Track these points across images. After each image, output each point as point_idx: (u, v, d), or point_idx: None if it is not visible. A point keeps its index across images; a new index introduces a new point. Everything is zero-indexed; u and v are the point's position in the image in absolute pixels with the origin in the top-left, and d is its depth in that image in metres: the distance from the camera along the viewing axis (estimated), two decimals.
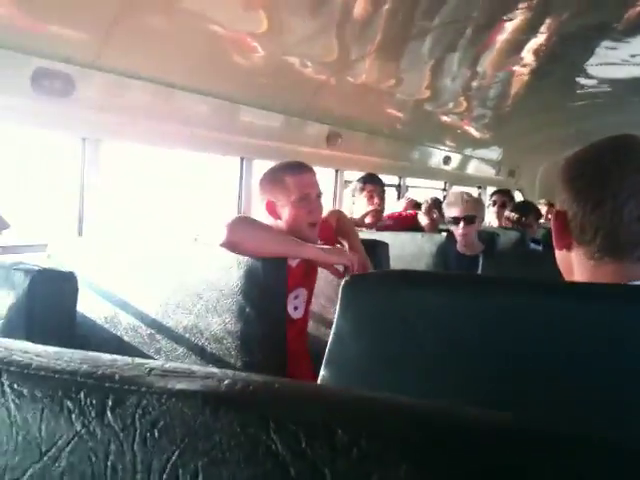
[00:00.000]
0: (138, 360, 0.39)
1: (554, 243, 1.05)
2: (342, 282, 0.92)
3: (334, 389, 0.34)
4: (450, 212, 2.85)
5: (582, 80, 4.30)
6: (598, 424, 0.75)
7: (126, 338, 1.70)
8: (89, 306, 1.74)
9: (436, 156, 5.20)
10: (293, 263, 1.88)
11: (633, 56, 3.52)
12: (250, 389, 0.34)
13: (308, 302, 1.98)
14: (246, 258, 1.56)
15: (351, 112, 3.66)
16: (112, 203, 2.48)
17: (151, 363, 0.39)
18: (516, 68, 3.90)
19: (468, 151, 5.71)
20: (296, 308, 1.93)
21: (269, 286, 1.56)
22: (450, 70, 3.72)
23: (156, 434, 0.34)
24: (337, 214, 2.23)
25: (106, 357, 0.40)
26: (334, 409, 0.33)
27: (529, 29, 3.23)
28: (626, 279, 0.94)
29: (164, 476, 0.33)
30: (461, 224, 2.79)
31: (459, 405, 0.33)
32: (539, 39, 3.40)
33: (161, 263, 1.70)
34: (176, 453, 0.33)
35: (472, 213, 2.81)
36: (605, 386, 0.74)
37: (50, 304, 1.20)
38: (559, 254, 1.06)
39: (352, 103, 3.55)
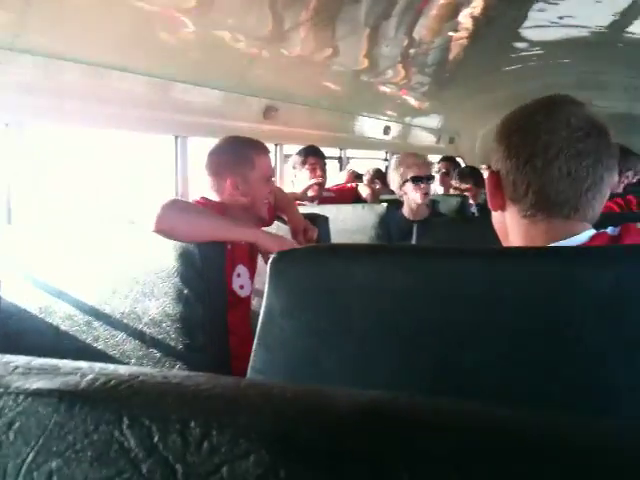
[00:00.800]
0: (7, 358, 0.37)
1: (489, 204, 1.06)
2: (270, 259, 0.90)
3: (199, 379, 0.33)
4: (409, 173, 2.84)
5: (516, 44, 4.36)
6: (532, 387, 0.75)
7: (63, 327, 1.66)
8: (21, 297, 1.68)
9: (376, 126, 5.21)
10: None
11: (561, 17, 3.58)
12: (111, 384, 0.33)
13: (252, 277, 1.96)
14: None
15: (288, 85, 3.61)
16: (42, 190, 2.40)
17: (19, 360, 0.37)
18: (452, 33, 3.91)
19: (408, 120, 5.73)
20: (242, 287, 1.91)
21: (207, 267, 1.53)
22: (386, 38, 3.70)
23: (11, 436, 0.32)
24: (274, 189, 2.21)
25: None
26: (189, 402, 0.31)
27: None
28: (558, 237, 0.96)
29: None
30: (424, 183, 2.81)
31: (315, 390, 0.33)
32: (474, 3, 3.41)
33: (95, 249, 1.65)
34: (31, 455, 0.32)
35: (432, 173, 2.88)
36: (536, 352, 0.75)
37: None
38: (495, 216, 1.07)
39: (288, 76, 3.51)
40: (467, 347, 0.79)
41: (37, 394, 0.33)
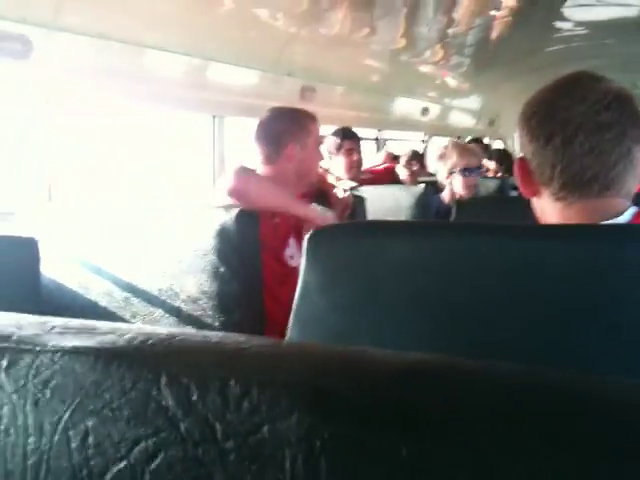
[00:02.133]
0: (44, 318, 0.37)
1: (522, 192, 1.04)
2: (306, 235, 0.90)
3: (239, 339, 0.32)
4: (457, 163, 2.78)
5: (559, 24, 4.25)
6: (571, 366, 0.74)
7: (101, 303, 1.68)
8: (61, 274, 1.71)
9: (414, 107, 5.14)
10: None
11: None
12: (149, 343, 0.32)
13: (300, 248, 1.98)
14: (218, 217, 1.53)
15: (325, 65, 3.58)
16: (81, 168, 2.43)
17: (56, 321, 0.37)
18: (493, 13, 3.83)
19: (447, 101, 5.65)
20: (292, 257, 1.93)
21: (242, 244, 1.54)
22: (425, 17, 3.65)
23: (48, 394, 0.32)
24: None
25: (10, 316, 0.38)
26: (228, 361, 0.31)
27: None
28: (596, 217, 0.93)
29: (55, 438, 0.32)
30: (472, 174, 2.75)
31: (365, 350, 0.32)
32: None
33: (133, 226, 1.67)
34: (67, 414, 0.31)
35: (480, 164, 2.83)
36: (575, 333, 0.73)
37: (11, 271, 1.17)
38: (533, 203, 1.05)
39: (325, 56, 3.48)
40: (502, 326, 0.77)
41: (74, 352, 0.32)
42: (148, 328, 0.35)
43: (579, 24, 4.25)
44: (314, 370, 0.29)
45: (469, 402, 0.26)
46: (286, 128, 1.93)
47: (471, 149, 2.87)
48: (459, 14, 3.75)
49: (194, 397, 0.29)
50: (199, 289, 1.53)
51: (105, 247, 1.66)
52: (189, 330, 0.34)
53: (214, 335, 0.33)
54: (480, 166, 2.82)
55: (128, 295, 1.64)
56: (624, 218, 0.93)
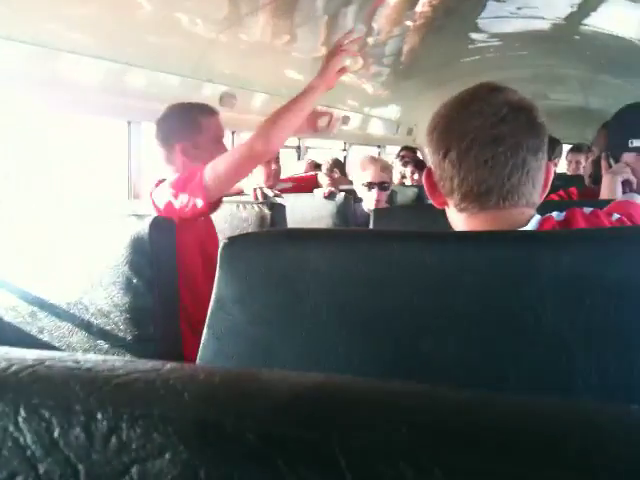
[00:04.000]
0: None
1: (433, 202, 1.05)
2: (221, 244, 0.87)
3: (116, 364, 0.28)
4: (364, 177, 2.83)
5: (474, 35, 4.36)
6: (493, 374, 0.74)
7: (6, 318, 1.59)
8: None
9: (336, 115, 5.16)
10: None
11: (520, 8, 3.59)
12: (10, 370, 0.28)
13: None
14: (132, 227, 1.47)
15: (246, 72, 3.54)
16: None
17: None
18: (410, 23, 3.89)
19: (367, 110, 5.70)
20: None
21: (157, 255, 1.48)
22: (345, 26, 3.66)
23: None
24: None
25: None
26: (98, 390, 0.27)
27: None
28: (500, 227, 0.95)
29: None
30: (375, 190, 2.79)
31: (251, 374, 0.29)
32: None
33: (40, 236, 1.58)
34: None
35: (387, 179, 2.84)
36: (493, 338, 0.73)
37: None
38: (447, 214, 1.06)
39: (246, 62, 3.44)
40: (423, 333, 0.77)
41: None
42: (15, 352, 0.30)
43: (493, 36, 4.38)
44: (195, 400, 0.25)
45: (360, 432, 0.23)
46: (173, 126, 1.84)
47: (380, 164, 2.89)
48: (378, 23, 3.79)
49: (56, 434, 0.25)
50: (111, 302, 1.46)
51: (10, 258, 1.57)
52: (62, 354, 0.30)
53: (87, 359, 0.29)
54: (383, 183, 2.83)
55: (35, 309, 1.55)
56: (530, 227, 0.95)
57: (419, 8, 3.59)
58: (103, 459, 0.24)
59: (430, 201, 3.03)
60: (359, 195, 2.90)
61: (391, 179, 2.94)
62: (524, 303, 0.71)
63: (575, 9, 3.52)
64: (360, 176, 2.86)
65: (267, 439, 0.23)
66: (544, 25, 4.00)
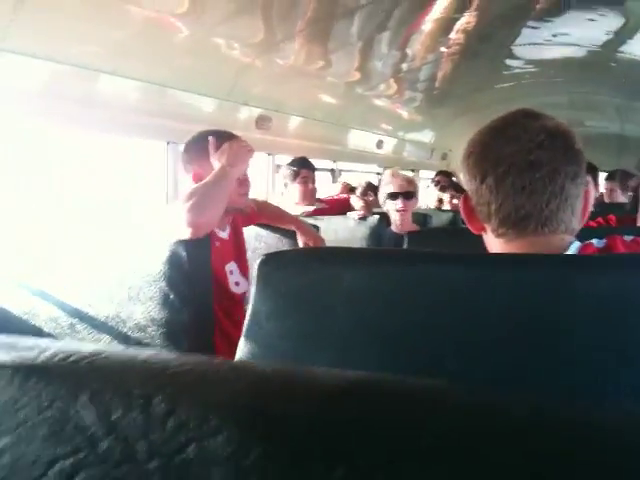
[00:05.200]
0: None
1: (470, 228, 1.04)
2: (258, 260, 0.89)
3: (169, 357, 0.30)
4: (387, 189, 2.84)
5: (509, 61, 4.38)
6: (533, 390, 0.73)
7: (45, 329, 1.63)
8: (5, 298, 1.65)
9: (370, 140, 5.21)
10: (225, 235, 1.84)
11: (555, 36, 3.59)
12: (70, 360, 0.30)
13: (245, 274, 1.93)
14: (169, 243, 1.50)
15: (281, 95, 3.61)
16: (28, 191, 2.37)
17: None
18: (444, 49, 3.92)
19: (401, 134, 5.74)
20: (237, 283, 1.87)
21: (192, 270, 1.51)
22: (379, 52, 3.71)
23: None
24: (254, 201, 2.12)
25: None
26: (154, 377, 0.29)
27: (457, 9, 3.24)
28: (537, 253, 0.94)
29: None
30: (399, 199, 2.79)
31: (297, 368, 0.30)
32: (467, 19, 3.42)
33: (81, 251, 1.63)
34: None
35: (410, 189, 2.84)
36: (524, 359, 0.73)
37: None
38: (484, 239, 1.06)
39: (282, 86, 3.50)
40: (455, 354, 0.77)
41: None
42: (73, 345, 0.33)
43: (529, 62, 4.39)
44: (246, 388, 0.27)
45: (402, 424, 0.25)
46: (191, 152, 1.79)
47: (401, 176, 2.90)
48: (412, 50, 3.83)
49: (115, 416, 0.27)
50: (148, 316, 1.49)
51: (51, 272, 1.61)
52: (115, 348, 0.32)
53: (141, 352, 0.31)
54: (407, 192, 2.83)
55: (74, 321, 1.59)
56: (570, 252, 0.94)
57: (453, 35, 3.62)
58: (161, 438, 0.26)
59: (464, 225, 3.00)
60: (386, 211, 2.90)
61: (416, 190, 2.94)
62: (558, 326, 0.71)
63: (611, 36, 3.51)
64: (384, 189, 2.87)
65: (313, 424, 0.25)
66: (580, 52, 4.00)
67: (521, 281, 0.75)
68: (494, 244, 0.99)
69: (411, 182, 2.92)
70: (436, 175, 4.66)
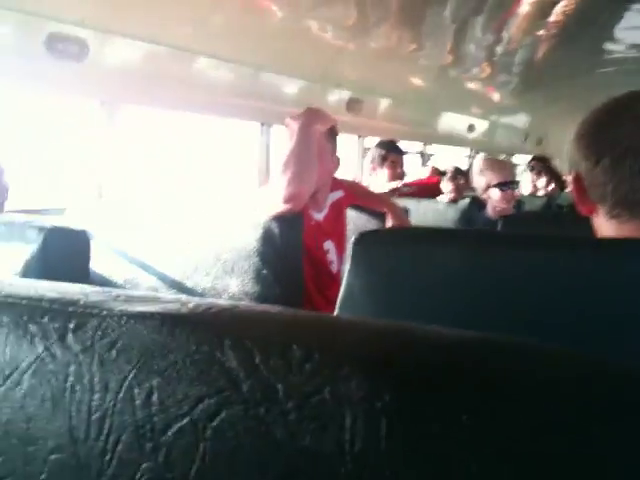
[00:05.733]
0: (109, 289, 0.39)
1: (579, 209, 1.03)
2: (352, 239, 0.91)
3: (297, 312, 0.33)
4: (497, 177, 2.80)
5: (610, 45, 4.18)
6: None
7: None
8: (108, 268, 1.75)
9: (461, 123, 5.12)
10: (320, 216, 1.89)
11: None
12: (211, 311, 0.33)
13: (341, 254, 1.97)
14: (262, 220, 1.55)
15: (372, 78, 3.60)
16: (130, 168, 2.49)
17: (120, 291, 0.38)
18: (542, 32, 3.79)
19: (493, 118, 5.60)
20: (332, 262, 1.93)
21: (285, 247, 1.56)
22: (474, 35, 3.63)
23: (114, 354, 0.34)
24: (346, 182, 2.19)
25: (76, 286, 0.40)
26: (290, 326, 0.32)
27: None
28: None
29: (120, 395, 0.33)
30: (508, 190, 2.76)
31: (413, 325, 0.32)
32: (567, 2, 3.29)
33: (179, 226, 1.70)
34: (132, 373, 0.33)
35: (515, 178, 2.82)
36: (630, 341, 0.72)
37: (62, 261, 1.21)
38: (592, 219, 1.04)
39: (373, 68, 3.50)
40: (549, 337, 0.77)
41: (140, 316, 0.34)
42: (210, 299, 0.36)
43: (631, 47, 4.18)
44: (373, 339, 0.30)
45: (533, 375, 0.27)
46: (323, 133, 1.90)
47: (505, 164, 2.86)
48: (508, 33, 3.73)
49: (257, 360, 0.30)
50: (242, 289, 1.55)
51: (152, 245, 1.70)
52: (249, 304, 0.36)
53: (273, 307, 0.34)
54: (515, 180, 2.80)
55: (172, 292, 1.66)
56: None
57: (552, 18, 3.50)
58: (299, 381, 0.29)
59: (565, 209, 2.93)
60: (483, 197, 2.86)
61: (516, 179, 2.92)
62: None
63: None
64: (488, 178, 2.82)
65: (438, 371, 0.27)
66: None
67: (621, 267, 0.74)
68: (606, 226, 0.97)
69: (514, 169, 2.90)
70: (531, 160, 4.55)
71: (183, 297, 0.37)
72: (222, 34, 2.54)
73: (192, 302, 0.35)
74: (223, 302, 0.35)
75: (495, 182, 2.76)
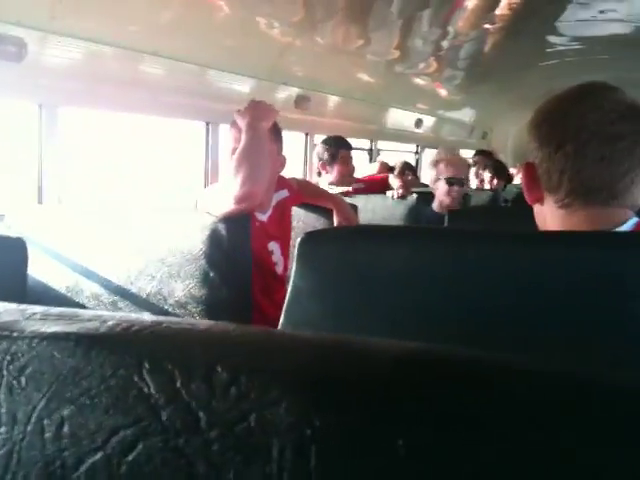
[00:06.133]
0: (25, 306, 0.36)
1: (527, 198, 1.02)
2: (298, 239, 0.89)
3: (228, 327, 0.31)
4: (447, 171, 2.83)
5: (553, 38, 4.26)
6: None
7: (88, 306, 1.66)
8: (50, 275, 1.69)
9: (408, 119, 5.15)
10: (264, 217, 1.86)
11: (602, 12, 3.49)
12: (132, 329, 0.31)
13: (286, 255, 1.95)
14: (209, 222, 1.52)
15: (320, 74, 3.59)
16: (72, 171, 2.41)
17: (36, 308, 0.35)
18: (488, 26, 3.84)
19: (440, 113, 5.66)
20: (276, 264, 1.90)
21: (232, 249, 1.53)
22: (420, 29, 3.65)
23: (23, 382, 0.31)
24: (295, 180, 2.20)
25: None
26: (216, 346, 0.29)
27: None
28: (597, 226, 0.92)
29: (28, 427, 0.30)
30: (456, 185, 2.79)
31: (353, 338, 0.30)
32: None
33: (123, 230, 1.65)
34: (42, 402, 0.30)
35: (466, 175, 2.85)
36: (572, 338, 0.72)
37: None
38: (535, 210, 1.04)
39: (321, 65, 3.48)
40: (501, 333, 0.76)
41: (53, 338, 0.31)
42: (133, 316, 0.33)
43: (573, 39, 4.27)
44: (306, 358, 0.27)
45: (474, 394, 0.25)
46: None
47: (458, 160, 2.89)
48: (454, 27, 3.76)
49: (177, 384, 0.27)
50: (188, 294, 1.51)
51: (95, 250, 1.65)
52: (175, 318, 0.33)
53: (202, 322, 0.32)
54: (464, 178, 2.83)
55: (116, 298, 1.62)
56: (625, 228, 0.92)
57: (498, 11, 3.54)
58: (223, 407, 0.26)
59: (504, 204, 2.98)
60: (432, 189, 2.89)
61: (468, 175, 2.96)
62: (610, 305, 0.70)
63: None
64: (439, 170, 2.85)
65: (378, 392, 0.25)
66: (626, 28, 3.87)
67: (567, 259, 0.74)
68: (553, 215, 0.97)
69: (467, 167, 2.92)
70: (475, 155, 4.62)
71: (105, 314, 0.34)
72: (166, 32, 2.49)
73: (113, 320, 0.32)
74: (148, 318, 0.33)
75: (444, 176, 2.79)
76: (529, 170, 0.99)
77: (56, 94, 2.23)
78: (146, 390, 0.28)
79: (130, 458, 0.28)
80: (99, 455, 0.28)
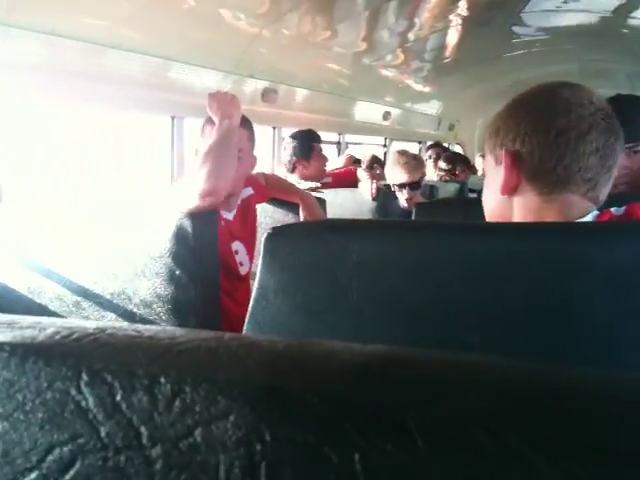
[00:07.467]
0: None
1: (501, 188, 1.00)
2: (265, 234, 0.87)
3: (176, 333, 0.29)
4: (395, 178, 2.84)
5: (518, 29, 4.30)
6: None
7: (51, 307, 1.62)
8: (11, 277, 1.64)
9: (376, 112, 5.15)
10: (230, 216, 1.83)
11: (566, 2, 3.52)
12: (72, 337, 0.28)
13: (251, 255, 1.93)
14: (175, 218, 1.49)
15: (287, 67, 3.56)
16: (32, 169, 2.36)
17: None
18: (453, 17, 3.85)
19: (408, 106, 5.67)
20: (241, 264, 1.87)
21: (200, 246, 1.50)
22: (386, 21, 3.64)
23: None
24: (263, 175, 2.18)
25: None
26: (160, 356, 0.27)
27: None
28: (569, 216, 0.93)
29: None
30: (406, 190, 2.80)
31: (315, 342, 0.29)
32: None
33: (86, 228, 1.61)
34: None
35: (417, 179, 2.83)
36: (542, 329, 0.72)
37: None
38: (498, 202, 1.02)
39: (287, 58, 3.45)
40: (470, 325, 0.76)
41: None
42: (75, 322, 0.31)
43: (538, 30, 4.31)
44: (257, 365, 0.26)
45: (422, 398, 0.23)
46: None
47: (409, 165, 2.86)
48: (420, 18, 3.76)
49: (118, 397, 0.25)
50: (154, 293, 1.48)
51: (56, 249, 1.60)
52: (122, 324, 0.31)
53: (148, 329, 0.29)
54: (414, 183, 2.83)
55: (79, 299, 1.58)
56: (587, 219, 0.93)
57: (462, 2, 3.55)
58: (166, 422, 0.24)
59: (471, 196, 3.01)
60: (393, 188, 2.90)
61: (423, 176, 2.94)
62: (575, 295, 0.70)
63: (623, 2, 3.43)
64: (391, 176, 2.88)
65: (334, 403, 0.23)
66: (591, 19, 3.92)
67: (536, 250, 0.74)
68: (526, 206, 0.96)
69: (419, 166, 2.90)
70: (428, 148, 4.71)
71: (45, 320, 0.31)
72: (129, 24, 2.44)
73: (53, 327, 0.30)
74: (91, 325, 0.30)
75: (396, 182, 2.82)
76: (511, 158, 0.97)
77: (14, 89, 2.17)
78: (84, 404, 0.26)
79: (67, 477, 0.25)
80: (34, 474, 0.26)
